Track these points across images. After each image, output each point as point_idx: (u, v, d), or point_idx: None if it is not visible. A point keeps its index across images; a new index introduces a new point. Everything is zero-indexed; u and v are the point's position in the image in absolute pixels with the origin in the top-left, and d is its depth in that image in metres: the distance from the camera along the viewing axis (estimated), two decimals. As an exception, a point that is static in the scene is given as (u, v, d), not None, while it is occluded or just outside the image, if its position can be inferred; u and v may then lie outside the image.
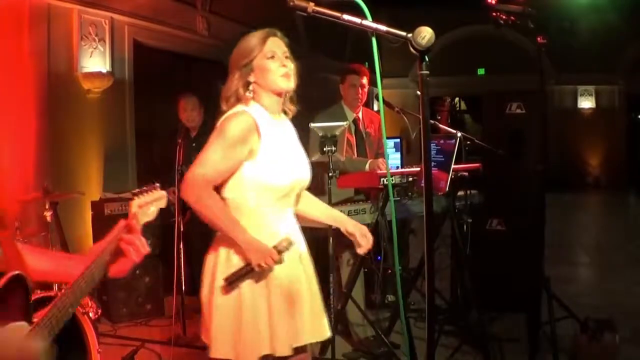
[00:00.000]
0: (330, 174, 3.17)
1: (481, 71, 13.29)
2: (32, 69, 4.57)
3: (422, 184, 1.63)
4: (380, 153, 4.06)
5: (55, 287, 3.21)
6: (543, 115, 4.13)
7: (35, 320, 1.25)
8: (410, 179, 3.36)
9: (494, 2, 3.43)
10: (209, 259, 2.02)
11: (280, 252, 1.91)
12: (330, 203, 3.19)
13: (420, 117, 1.44)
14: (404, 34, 1.40)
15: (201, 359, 2.02)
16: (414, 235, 4.72)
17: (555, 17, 10.52)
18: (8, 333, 1.18)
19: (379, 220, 3.33)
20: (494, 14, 3.39)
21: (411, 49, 1.38)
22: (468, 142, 3.52)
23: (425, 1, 11.04)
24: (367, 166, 3.65)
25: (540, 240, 3.72)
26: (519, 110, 4.10)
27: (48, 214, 3.54)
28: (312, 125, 3.25)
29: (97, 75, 5.05)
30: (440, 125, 3.75)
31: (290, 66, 2.04)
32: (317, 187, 4.06)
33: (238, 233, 1.90)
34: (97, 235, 4.44)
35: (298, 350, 2.03)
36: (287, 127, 2.15)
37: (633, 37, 12.28)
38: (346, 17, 1.46)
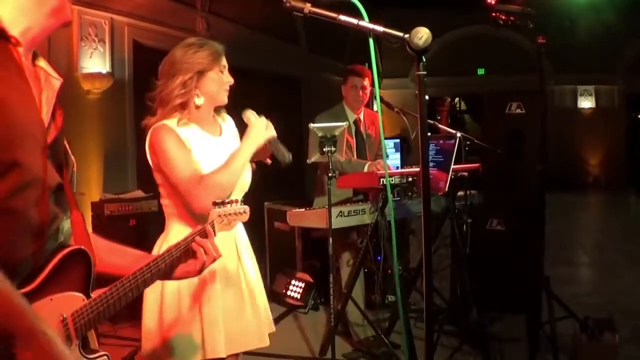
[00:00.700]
0: (330, 175, 3.17)
1: (481, 71, 13.29)
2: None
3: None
4: (380, 155, 4.06)
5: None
6: (543, 115, 4.13)
7: (93, 295, 1.29)
8: (410, 179, 3.36)
9: (493, 2, 3.44)
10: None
11: None
12: (329, 203, 3.20)
13: (418, 117, 1.44)
14: (400, 34, 1.40)
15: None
16: (414, 236, 4.72)
17: (555, 17, 10.51)
18: (62, 300, 1.21)
19: (379, 220, 3.34)
20: (494, 14, 3.39)
21: (408, 49, 1.38)
22: (468, 142, 3.52)
23: (425, 1, 11.04)
24: (365, 168, 3.65)
25: (540, 240, 3.72)
26: (519, 110, 4.09)
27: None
28: (312, 125, 3.25)
29: (97, 75, 5.05)
30: (440, 126, 3.75)
31: (249, 113, 2.14)
32: (317, 188, 4.08)
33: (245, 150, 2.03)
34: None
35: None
36: (224, 138, 2.16)
37: (633, 37, 12.28)
38: (343, 17, 1.46)
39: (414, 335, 3.23)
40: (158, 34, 5.77)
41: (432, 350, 1.45)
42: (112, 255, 1.50)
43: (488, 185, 4.00)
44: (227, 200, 1.67)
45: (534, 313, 3.62)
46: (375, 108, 4.43)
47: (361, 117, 4.01)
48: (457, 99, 14.47)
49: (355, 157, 3.88)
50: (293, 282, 4.71)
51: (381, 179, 3.24)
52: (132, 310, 2.00)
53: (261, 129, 2.07)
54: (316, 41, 9.20)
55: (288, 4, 1.50)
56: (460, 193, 3.64)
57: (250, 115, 2.12)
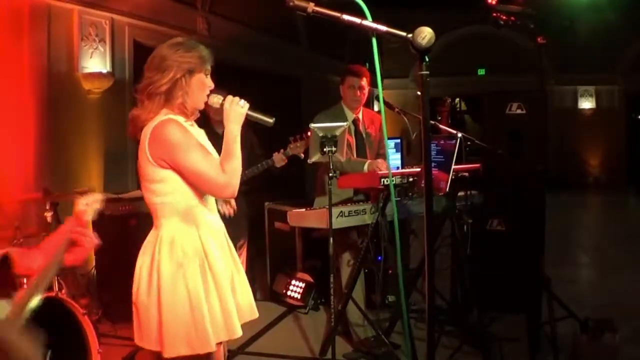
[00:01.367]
0: (330, 175, 3.17)
1: (481, 71, 13.29)
2: (32, 69, 4.57)
3: (423, 185, 1.63)
4: (380, 153, 4.05)
5: (56, 287, 3.21)
6: (543, 115, 4.13)
7: (14, 297, 1.40)
8: (411, 179, 3.36)
9: (494, 2, 3.44)
10: (144, 262, 2.05)
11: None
12: (330, 203, 3.19)
13: (421, 117, 1.44)
14: (404, 34, 1.40)
15: (200, 358, 2.02)
16: (415, 236, 4.72)
17: (556, 17, 10.50)
18: None
19: (379, 220, 3.33)
20: (494, 14, 3.39)
21: (411, 49, 1.38)
22: (468, 143, 3.52)
23: (426, 1, 11.04)
24: (365, 167, 3.65)
25: (540, 241, 3.72)
26: (519, 110, 4.09)
27: (48, 215, 3.54)
28: (313, 125, 3.25)
29: (98, 75, 5.05)
30: (441, 126, 3.75)
31: (216, 97, 2.14)
32: (317, 188, 4.07)
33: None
34: (97, 236, 4.44)
35: None
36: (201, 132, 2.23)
37: (633, 37, 12.28)
38: (346, 17, 1.46)
39: (414, 336, 3.23)
40: (158, 33, 5.76)
41: (433, 350, 1.45)
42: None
43: (488, 186, 3.99)
44: (85, 190, 1.84)
45: (534, 313, 3.62)
46: (376, 108, 4.42)
47: (360, 116, 4.00)
48: (457, 99, 14.47)
49: (355, 156, 3.87)
50: (293, 282, 4.71)
51: (382, 179, 3.24)
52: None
53: (236, 107, 2.10)
54: (316, 41, 9.20)
55: (292, 3, 1.50)
56: (461, 193, 3.64)
57: (216, 99, 2.13)
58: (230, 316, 2.07)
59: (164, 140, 1.98)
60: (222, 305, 2.05)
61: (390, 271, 3.84)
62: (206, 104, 2.13)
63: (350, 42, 9.92)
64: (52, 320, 2.88)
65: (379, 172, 3.33)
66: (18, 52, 4.45)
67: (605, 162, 13.32)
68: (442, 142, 3.38)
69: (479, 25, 11.64)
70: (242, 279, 2.22)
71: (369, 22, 1.46)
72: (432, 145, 3.37)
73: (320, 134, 3.19)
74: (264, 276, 5.12)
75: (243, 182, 4.25)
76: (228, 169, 2.03)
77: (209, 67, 2.11)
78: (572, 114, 13.37)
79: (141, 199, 4.68)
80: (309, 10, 1.49)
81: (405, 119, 3.65)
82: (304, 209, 3.69)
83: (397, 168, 4.69)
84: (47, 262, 1.53)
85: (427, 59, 1.38)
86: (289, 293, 4.69)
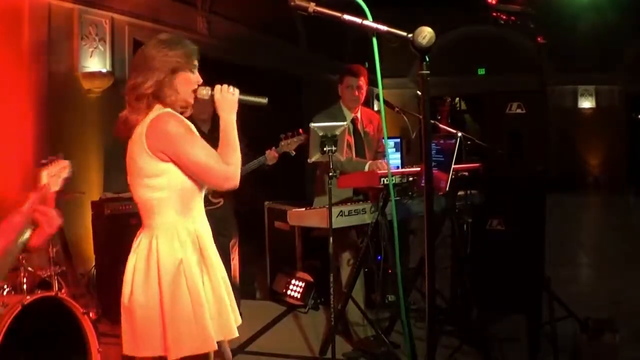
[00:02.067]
0: (330, 174, 3.17)
1: (481, 71, 13.28)
2: (32, 69, 4.56)
3: (423, 184, 1.63)
4: (379, 152, 4.06)
5: (56, 287, 3.21)
6: (543, 115, 4.13)
7: None
8: (411, 178, 3.36)
9: (494, 2, 3.44)
10: (138, 262, 1.99)
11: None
12: (330, 203, 3.19)
13: (421, 117, 1.44)
14: (404, 34, 1.40)
15: (200, 357, 2.01)
16: (414, 235, 4.72)
17: (556, 17, 10.51)
18: None
19: (379, 220, 3.33)
20: (494, 14, 3.39)
21: (412, 48, 1.38)
22: (468, 142, 3.52)
23: (426, 1, 11.04)
24: (366, 167, 3.65)
25: (540, 240, 3.72)
26: (519, 110, 4.09)
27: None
28: (312, 125, 3.25)
29: (98, 75, 5.05)
30: (441, 125, 3.75)
31: (205, 89, 2.12)
32: (317, 187, 4.07)
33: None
34: (97, 236, 4.44)
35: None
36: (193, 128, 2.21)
37: (633, 37, 12.27)
38: (347, 17, 1.46)
39: (414, 335, 3.23)
40: (158, 33, 5.74)
41: (433, 350, 1.45)
42: None
43: (488, 185, 3.99)
44: (50, 159, 1.74)
45: (534, 313, 3.62)
46: (376, 108, 4.42)
47: (358, 115, 4.00)
48: (457, 99, 14.47)
49: (354, 155, 3.88)
50: (293, 281, 4.71)
51: (382, 179, 3.24)
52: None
53: (227, 95, 2.08)
54: (316, 40, 9.19)
55: (293, 3, 1.50)
56: (461, 193, 3.64)
57: (205, 91, 2.10)
58: (226, 316, 2.05)
59: (164, 133, 1.95)
60: (217, 303, 2.03)
61: (390, 271, 3.84)
62: (196, 97, 2.10)
63: (350, 41, 9.91)
64: (52, 320, 2.88)
65: (379, 172, 3.33)
66: (18, 51, 4.44)
67: (605, 161, 13.31)
68: (442, 141, 3.38)
69: (479, 25, 11.63)
70: (227, 282, 2.17)
71: (369, 22, 1.46)
72: (433, 144, 3.37)
73: (320, 134, 3.19)
74: (264, 276, 5.12)
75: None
76: (229, 160, 2.01)
77: (195, 63, 2.08)
78: (572, 113, 13.36)
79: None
80: (310, 10, 1.49)
81: (405, 118, 3.65)
82: (303, 209, 3.69)
83: (397, 167, 4.70)
84: (6, 246, 1.44)
85: (427, 59, 1.39)
86: (288, 292, 4.69)
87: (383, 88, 1.70)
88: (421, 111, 1.43)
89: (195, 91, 2.08)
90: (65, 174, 1.82)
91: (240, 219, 4.27)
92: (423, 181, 1.50)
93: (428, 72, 1.40)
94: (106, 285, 4.25)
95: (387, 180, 3.21)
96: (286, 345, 3.83)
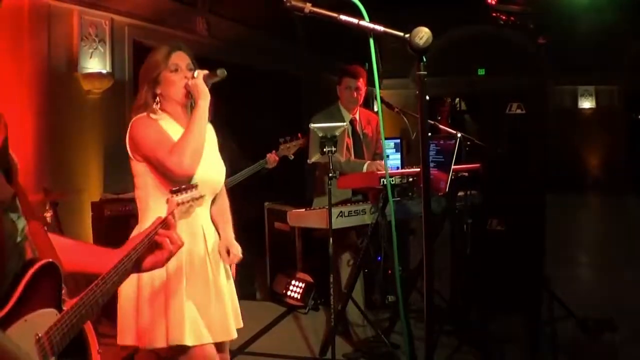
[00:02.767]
0: (330, 175, 3.17)
1: (481, 71, 13.28)
2: (32, 69, 4.57)
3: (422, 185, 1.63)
4: (378, 154, 4.06)
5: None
6: (543, 116, 4.13)
7: (65, 307, 1.29)
8: (410, 179, 3.36)
9: (494, 2, 3.44)
10: None
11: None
12: (330, 203, 3.20)
13: (419, 117, 1.44)
14: (401, 34, 1.40)
15: (179, 350, 2.05)
16: (414, 236, 4.72)
17: (556, 17, 10.50)
18: (36, 319, 1.20)
19: (379, 220, 3.33)
20: (494, 14, 3.39)
21: (409, 49, 1.38)
22: (468, 143, 3.52)
23: (425, 1, 11.03)
24: (364, 168, 3.65)
25: (540, 241, 3.72)
26: (519, 111, 4.10)
27: (48, 215, 3.55)
28: (312, 125, 3.25)
29: (97, 75, 5.05)
30: (440, 126, 3.75)
31: (191, 80, 2.12)
32: (316, 188, 4.08)
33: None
34: (98, 236, 4.44)
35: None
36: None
37: (633, 37, 12.26)
38: (343, 17, 1.46)
39: (414, 335, 3.23)
40: (158, 33, 5.76)
41: (432, 350, 1.45)
42: (78, 254, 1.52)
43: (488, 186, 4.00)
44: (183, 187, 1.71)
45: (534, 313, 3.62)
46: (375, 108, 4.43)
47: (357, 116, 4.00)
48: (457, 100, 14.47)
49: (352, 156, 3.88)
50: (293, 282, 4.71)
51: (381, 180, 3.24)
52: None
53: (191, 82, 2.09)
54: (316, 40, 9.19)
55: (288, 4, 1.50)
56: (461, 193, 3.64)
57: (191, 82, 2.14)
58: (222, 317, 2.08)
59: (132, 136, 2.08)
60: (206, 303, 2.07)
61: (390, 271, 3.84)
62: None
63: (349, 41, 9.91)
64: (52, 321, 2.89)
65: (378, 173, 3.33)
66: (18, 52, 4.44)
67: (605, 162, 13.30)
68: (441, 142, 3.38)
69: (479, 25, 11.62)
70: (223, 299, 2.15)
71: (366, 23, 1.46)
72: (432, 145, 3.37)
73: (320, 134, 3.19)
74: (264, 276, 5.12)
75: (238, 184, 4.29)
76: (177, 148, 2.01)
77: (172, 62, 2.12)
78: (572, 114, 13.36)
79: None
80: (306, 10, 1.49)
81: (405, 119, 3.65)
82: (303, 209, 3.69)
83: (397, 168, 4.69)
84: (115, 266, 1.42)
85: (425, 59, 1.38)
86: (288, 293, 4.69)
87: (384, 88, 1.70)
88: (418, 111, 1.43)
89: (186, 86, 2.12)
90: (199, 204, 1.78)
91: (241, 220, 4.29)
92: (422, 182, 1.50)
93: (425, 72, 1.40)
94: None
95: (386, 181, 3.21)
96: (286, 346, 3.83)
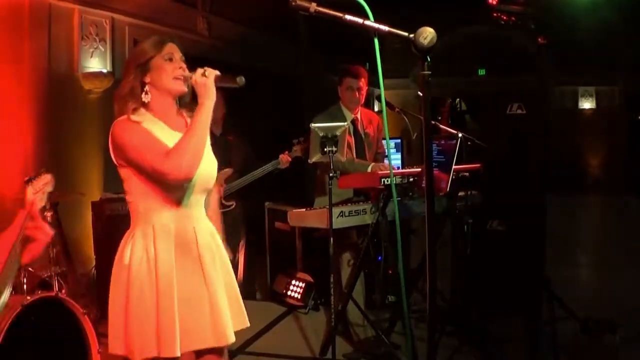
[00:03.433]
0: (331, 175, 3.17)
1: (482, 71, 13.28)
2: (32, 69, 4.56)
3: (424, 185, 1.63)
4: (379, 153, 4.06)
5: (56, 287, 3.21)
6: (543, 116, 4.13)
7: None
8: (411, 179, 3.36)
9: (494, 2, 3.44)
10: (116, 259, 2.04)
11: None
12: (330, 203, 3.19)
13: (422, 117, 1.44)
14: (405, 34, 1.40)
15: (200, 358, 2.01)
16: (415, 236, 4.72)
17: (556, 17, 10.51)
18: None
19: (380, 220, 3.33)
20: (495, 14, 3.39)
21: (413, 49, 1.38)
22: (469, 143, 3.52)
23: (426, 1, 11.04)
24: (369, 169, 3.65)
25: (541, 241, 3.72)
26: (519, 111, 4.10)
27: (48, 215, 3.54)
28: (313, 125, 3.25)
29: (98, 75, 5.04)
30: (441, 126, 3.75)
31: (187, 72, 2.03)
32: (317, 188, 4.07)
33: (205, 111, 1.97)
34: (98, 236, 4.44)
35: (202, 353, 2.04)
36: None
37: (633, 37, 12.26)
38: (348, 17, 1.46)
39: (415, 336, 3.23)
40: (159, 33, 5.73)
41: (433, 350, 1.45)
42: None
43: (489, 186, 4.00)
44: (33, 176, 1.76)
45: (534, 313, 3.62)
46: (377, 108, 4.44)
47: (358, 116, 4.00)
48: (457, 100, 14.47)
49: (354, 156, 3.88)
50: (293, 282, 4.71)
51: (382, 179, 3.24)
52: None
53: (200, 79, 1.97)
54: (318, 40, 9.19)
55: (294, 3, 1.50)
56: (461, 193, 3.64)
57: (187, 74, 2.04)
58: (219, 321, 1.98)
59: (114, 141, 2.01)
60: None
61: (390, 271, 3.84)
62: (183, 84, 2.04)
63: (352, 41, 9.91)
64: (53, 321, 2.88)
65: (379, 172, 3.33)
66: (18, 51, 4.44)
67: (605, 162, 13.31)
68: (442, 142, 3.38)
69: (479, 25, 11.62)
70: (218, 302, 2.02)
71: (371, 22, 1.46)
72: (433, 145, 3.37)
73: (321, 134, 3.19)
74: (264, 276, 5.12)
75: (247, 185, 4.30)
76: (175, 151, 1.90)
77: (166, 51, 2.02)
78: (572, 114, 13.36)
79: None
80: (312, 10, 1.49)
81: (406, 119, 3.65)
82: (304, 209, 3.69)
83: (398, 168, 4.70)
84: (3, 263, 1.48)
85: (429, 59, 1.38)
86: (289, 293, 4.69)
87: (385, 88, 1.70)
88: (422, 111, 1.43)
89: (177, 78, 2.01)
90: (49, 188, 1.82)
91: (248, 223, 4.32)
92: (424, 182, 1.50)
93: (429, 72, 1.40)
94: (106, 286, 4.23)
95: (388, 181, 3.21)
96: (286, 346, 3.83)
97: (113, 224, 4.29)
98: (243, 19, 7.24)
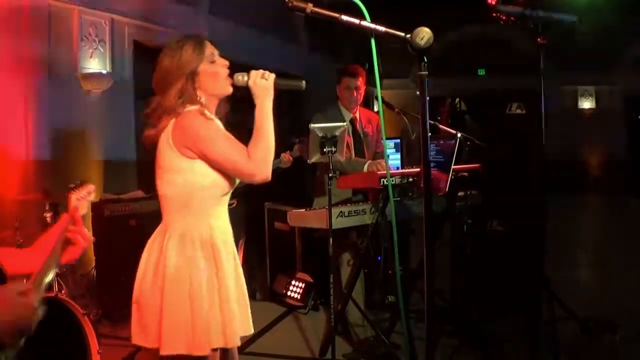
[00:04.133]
0: (330, 175, 3.17)
1: (481, 71, 13.27)
2: (32, 69, 4.57)
3: (422, 185, 1.64)
4: (378, 153, 4.06)
5: (56, 287, 3.21)
6: (543, 116, 4.13)
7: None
8: (410, 179, 3.36)
9: (494, 2, 3.43)
10: (151, 256, 2.01)
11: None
12: (330, 204, 3.19)
13: (420, 117, 1.44)
14: (402, 34, 1.40)
15: (194, 358, 2.02)
16: (414, 236, 4.72)
17: (556, 17, 10.49)
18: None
19: (379, 220, 3.33)
20: (494, 14, 3.39)
21: (410, 49, 1.38)
22: (468, 143, 3.52)
23: (425, 1, 11.03)
24: (365, 167, 3.65)
25: (541, 241, 3.72)
26: (519, 111, 4.10)
27: (48, 215, 3.54)
28: (312, 125, 3.25)
29: (97, 75, 5.05)
30: (441, 126, 3.75)
31: (239, 76, 2.06)
32: (316, 188, 4.07)
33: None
34: (97, 236, 4.44)
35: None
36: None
37: (633, 37, 12.27)
38: (345, 17, 1.46)
39: (414, 336, 3.23)
40: (158, 34, 5.77)
41: (433, 350, 1.45)
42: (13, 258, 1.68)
43: (488, 186, 4.00)
44: (78, 184, 1.85)
45: (534, 313, 3.62)
46: (376, 108, 4.43)
47: (357, 116, 4.00)
48: (457, 100, 14.47)
49: (353, 155, 3.88)
50: (293, 282, 4.71)
51: (381, 180, 3.24)
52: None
53: (260, 82, 2.02)
54: (317, 40, 9.19)
55: (290, 4, 1.50)
56: (461, 193, 3.64)
57: (240, 77, 2.05)
58: (230, 323, 2.01)
59: (189, 131, 1.93)
60: (222, 309, 1.99)
61: (390, 271, 3.84)
62: (233, 85, 2.06)
63: (351, 41, 9.91)
64: (52, 321, 2.88)
65: (379, 173, 3.33)
66: (18, 52, 4.44)
67: (605, 162, 13.30)
68: (441, 142, 3.38)
69: (479, 25, 11.63)
70: (243, 291, 2.14)
71: (367, 23, 1.46)
72: (432, 145, 3.37)
73: (320, 134, 3.19)
74: (264, 276, 5.12)
75: (247, 185, 4.30)
76: (255, 152, 1.95)
77: (209, 52, 2.02)
78: (572, 114, 13.36)
79: (141, 199, 4.72)
80: (308, 10, 1.49)
81: (405, 119, 3.65)
82: (303, 209, 3.69)
83: (397, 168, 4.69)
84: (44, 262, 1.55)
85: (425, 60, 1.39)
86: (288, 293, 4.69)
87: (384, 88, 1.70)
88: (420, 111, 1.43)
89: (231, 77, 2.05)
90: (91, 197, 1.94)
91: (248, 221, 4.32)
92: (423, 182, 1.50)
93: (426, 72, 1.40)
94: (106, 287, 4.26)
95: (386, 181, 3.21)
96: (286, 346, 3.83)
97: (113, 225, 4.29)
98: (243, 19, 7.24)
